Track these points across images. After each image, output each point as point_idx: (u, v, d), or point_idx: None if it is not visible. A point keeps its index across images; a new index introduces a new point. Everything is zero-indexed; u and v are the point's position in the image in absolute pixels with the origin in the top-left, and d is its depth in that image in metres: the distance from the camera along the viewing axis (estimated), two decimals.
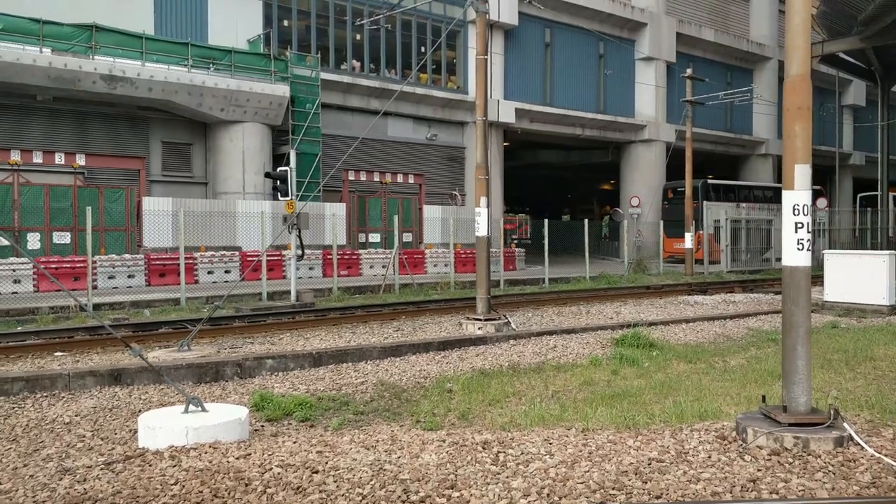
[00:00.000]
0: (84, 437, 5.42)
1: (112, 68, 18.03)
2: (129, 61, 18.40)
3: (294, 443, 4.94)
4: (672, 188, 30.75)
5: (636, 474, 4.13)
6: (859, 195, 34.74)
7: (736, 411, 5.55)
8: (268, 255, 16.63)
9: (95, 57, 18.00)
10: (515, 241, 29.13)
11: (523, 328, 11.09)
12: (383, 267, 19.89)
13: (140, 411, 6.05)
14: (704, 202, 27.79)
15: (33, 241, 18.02)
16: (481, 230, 11.53)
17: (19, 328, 10.88)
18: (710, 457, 4.42)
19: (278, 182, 14.79)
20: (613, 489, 3.92)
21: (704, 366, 8.14)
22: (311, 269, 20.18)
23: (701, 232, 26.22)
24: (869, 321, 11.99)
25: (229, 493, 3.91)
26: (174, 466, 4.38)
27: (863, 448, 4.44)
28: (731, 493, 3.88)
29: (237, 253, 19.36)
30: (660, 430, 5.07)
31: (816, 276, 11.60)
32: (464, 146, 26.95)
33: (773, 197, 31.06)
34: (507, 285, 19.72)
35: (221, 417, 5.06)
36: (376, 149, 24.47)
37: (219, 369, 7.73)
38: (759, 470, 4.17)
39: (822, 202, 29.11)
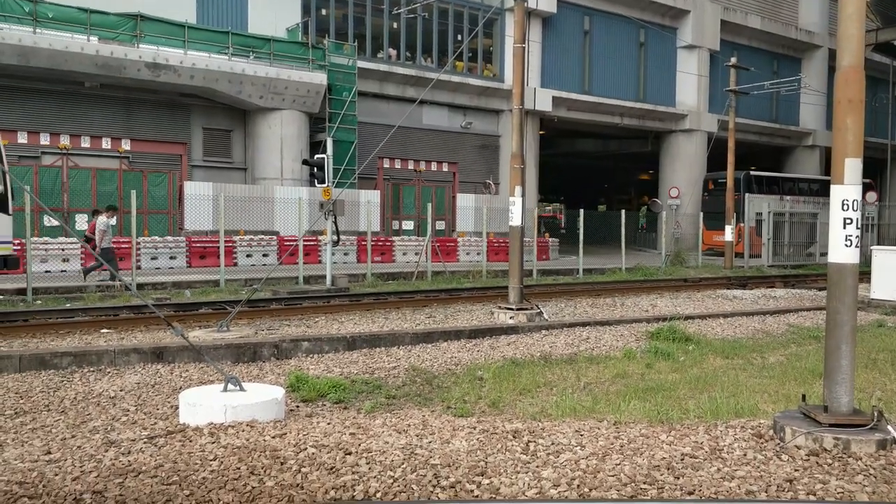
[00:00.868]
0: (128, 411, 5.62)
1: (156, 56, 18.44)
2: (172, 50, 18.80)
3: (328, 424, 5.04)
4: (713, 179, 30.06)
5: (668, 469, 4.09)
6: None
7: (773, 409, 5.44)
8: (304, 240, 16.89)
9: (140, 45, 18.44)
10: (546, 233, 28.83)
11: (556, 319, 11.04)
12: (416, 254, 19.99)
13: (181, 388, 6.23)
14: (746, 194, 27.10)
15: (81, 222, 18.64)
16: (515, 219, 11.48)
17: (68, 305, 11.30)
18: (745, 454, 4.34)
19: (315, 169, 14.96)
20: (645, 483, 3.89)
21: (742, 362, 7.99)
22: (345, 254, 20.41)
23: (742, 225, 25.61)
24: None
25: (265, 471, 4.01)
26: (213, 443, 4.51)
27: None
28: (766, 492, 3.81)
29: (275, 237, 19.70)
30: (694, 426, 5.00)
31: (863, 272, 11.23)
32: (499, 134, 26.79)
33: (819, 190, 30.11)
34: (539, 275, 19.61)
35: (259, 397, 5.19)
36: (411, 137, 24.51)
37: (256, 350, 7.90)
38: (796, 470, 4.08)
39: (871, 196, 28.12)
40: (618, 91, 29.47)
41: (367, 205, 20.65)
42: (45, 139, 18.84)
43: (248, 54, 20.14)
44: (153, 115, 20.30)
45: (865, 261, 14.01)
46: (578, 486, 3.86)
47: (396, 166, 24.75)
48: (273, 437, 4.61)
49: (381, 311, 11.83)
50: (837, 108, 4.75)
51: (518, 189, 11.44)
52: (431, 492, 3.79)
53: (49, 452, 4.48)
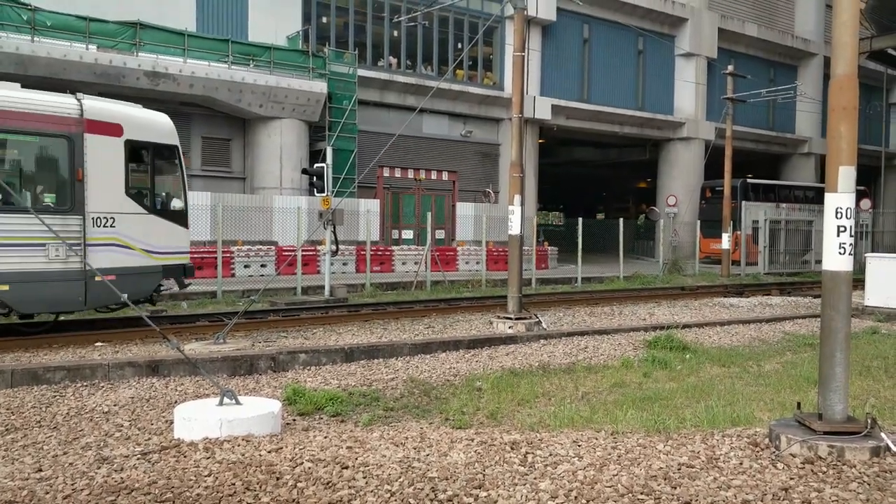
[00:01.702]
0: (122, 426, 5.60)
1: (155, 65, 18.49)
2: (171, 58, 18.85)
3: (325, 437, 5.03)
4: (710, 187, 30.13)
5: (665, 479, 4.09)
6: None
7: (769, 417, 5.44)
8: (303, 251, 16.88)
9: (139, 54, 18.49)
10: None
11: (554, 328, 11.04)
12: (415, 263, 19.99)
13: (176, 402, 6.22)
14: (743, 202, 27.15)
15: None
16: (514, 228, 11.49)
17: (61, 317, 11.26)
18: (741, 463, 4.34)
19: (315, 178, 14.98)
20: (642, 494, 3.89)
21: (738, 370, 7.99)
22: (344, 264, 20.40)
23: (738, 232, 25.64)
24: None
25: (261, 487, 4.00)
26: (208, 458, 4.50)
27: None
28: (762, 501, 3.81)
29: (273, 248, 19.69)
30: (690, 435, 5.00)
31: (857, 279, 11.26)
32: (498, 143, 26.86)
33: (814, 197, 30.18)
34: (539, 284, 19.61)
35: (255, 411, 5.18)
36: (411, 145, 24.56)
37: (253, 362, 7.89)
38: (791, 478, 4.09)
39: (865, 203, 28.19)
40: (617, 99, 29.58)
41: (366, 214, 20.66)
42: None
43: (248, 63, 20.20)
44: None
45: (860, 268, 14.05)
46: (576, 497, 3.85)
47: (396, 175, 24.79)
48: (269, 452, 4.59)
49: (380, 322, 11.82)
50: (832, 115, 4.79)
51: (517, 198, 11.46)
52: None
53: (40, 470, 4.45)
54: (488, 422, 5.85)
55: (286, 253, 18.97)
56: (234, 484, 4.03)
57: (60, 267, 8.64)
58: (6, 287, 8.31)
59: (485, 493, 3.90)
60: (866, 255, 14.31)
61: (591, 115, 28.65)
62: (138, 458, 4.60)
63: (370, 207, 21.63)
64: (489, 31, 26.27)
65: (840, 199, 4.70)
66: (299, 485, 4.02)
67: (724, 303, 15.81)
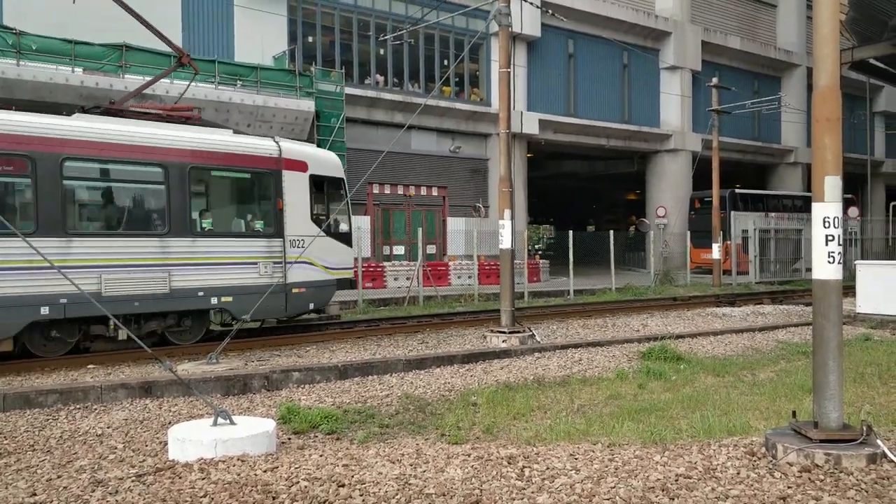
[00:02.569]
0: (116, 448, 5.54)
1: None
2: None
3: (320, 456, 4.99)
4: (699, 198, 30.37)
5: (663, 490, 4.08)
6: (892, 203, 33.94)
7: (765, 426, 5.45)
8: None
9: (126, 75, 18.49)
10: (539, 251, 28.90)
11: (548, 341, 11.04)
12: (408, 279, 19.97)
13: (170, 423, 6.16)
14: (732, 212, 27.36)
15: None
16: (505, 242, 11.53)
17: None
18: (738, 473, 4.35)
19: None
20: None
21: (733, 379, 8.02)
22: None
23: (729, 242, 25.82)
24: None
25: None
26: (203, 479, 4.45)
27: None
28: None
29: None
30: (687, 446, 5.01)
31: (848, 286, 11.37)
32: (487, 158, 27.00)
33: (802, 206, 30.49)
34: (531, 297, 19.63)
35: (249, 430, 5.14)
36: (400, 162, 24.63)
37: (246, 382, 7.83)
38: (789, 487, 4.10)
39: (853, 211, 28.51)
40: (603, 113, 29.85)
41: (357, 231, 20.64)
42: None
43: (235, 83, 20.25)
44: None
45: (850, 275, 14.19)
46: None
47: (386, 191, 24.83)
48: (264, 472, 4.56)
49: (373, 338, 11.78)
50: (816, 126, 4.85)
51: (507, 212, 11.51)
52: None
53: (34, 494, 4.40)
54: (484, 436, 5.83)
55: None
56: None
57: (268, 281, 10.44)
58: (230, 298, 10.15)
59: None
60: (856, 262, 14.43)
61: (578, 129, 28.88)
62: (133, 481, 4.55)
63: (361, 224, 21.61)
64: (475, 47, 26.52)
65: (827, 208, 4.75)
66: (295, 503, 3.99)
67: (716, 312, 15.87)
